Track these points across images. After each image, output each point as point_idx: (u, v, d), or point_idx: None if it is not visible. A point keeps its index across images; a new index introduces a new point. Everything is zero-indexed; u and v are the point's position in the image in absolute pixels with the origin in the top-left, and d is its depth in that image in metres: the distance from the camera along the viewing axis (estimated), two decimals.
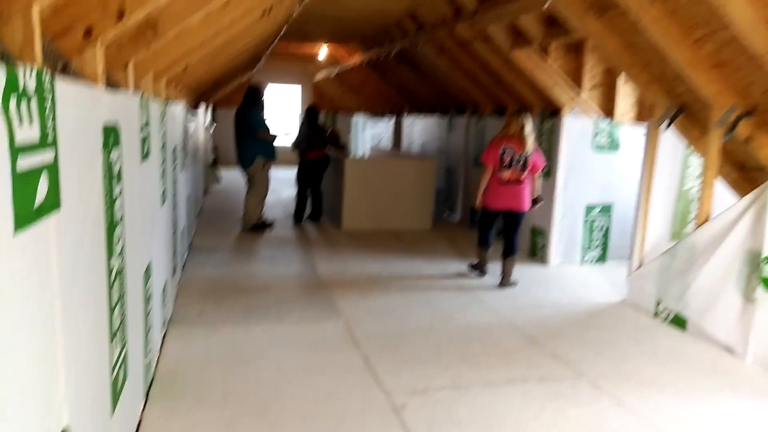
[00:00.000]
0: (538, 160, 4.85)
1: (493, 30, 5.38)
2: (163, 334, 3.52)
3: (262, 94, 6.78)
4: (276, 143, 6.76)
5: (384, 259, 5.81)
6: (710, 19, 3.39)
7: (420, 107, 10.04)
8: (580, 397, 3.04)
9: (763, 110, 3.71)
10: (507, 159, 4.76)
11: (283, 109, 15.34)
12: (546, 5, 4.09)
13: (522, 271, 5.45)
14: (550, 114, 5.76)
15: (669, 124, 4.33)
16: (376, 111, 12.90)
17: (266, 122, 6.72)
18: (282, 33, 7.32)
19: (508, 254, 4.96)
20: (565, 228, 5.72)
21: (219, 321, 3.92)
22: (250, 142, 6.60)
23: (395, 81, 9.91)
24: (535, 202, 4.96)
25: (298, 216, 7.52)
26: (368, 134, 13.11)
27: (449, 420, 2.75)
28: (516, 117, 4.84)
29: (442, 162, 8.28)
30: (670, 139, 4.47)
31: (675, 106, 4.31)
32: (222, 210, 8.28)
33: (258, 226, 6.89)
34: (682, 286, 4.05)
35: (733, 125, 3.79)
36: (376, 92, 11.96)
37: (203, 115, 9.68)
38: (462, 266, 5.56)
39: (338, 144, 7.92)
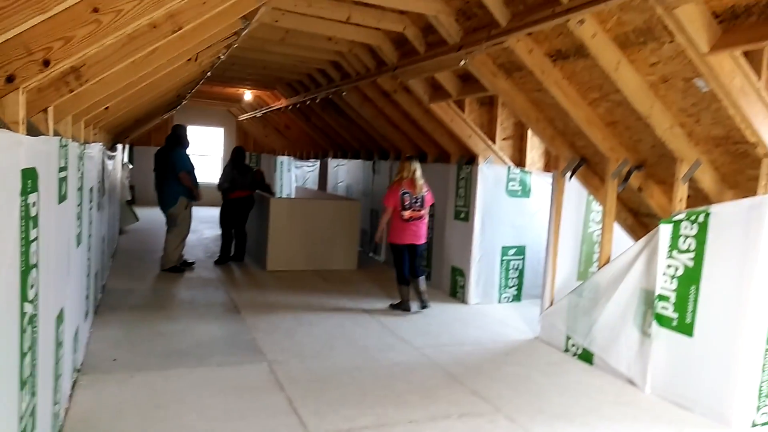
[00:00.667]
0: (430, 198, 5.59)
1: (414, 83, 5.72)
2: (73, 382, 3.34)
3: (186, 135, 6.73)
4: (197, 184, 6.69)
5: (309, 299, 5.82)
6: (603, 83, 3.84)
7: (345, 150, 10.27)
8: (497, 431, 3.18)
9: (651, 164, 4.19)
10: (407, 201, 5.41)
11: (206, 152, 15.09)
12: (460, 64, 4.44)
13: (443, 310, 5.66)
14: (467, 162, 6.12)
15: (572, 174, 4.75)
16: (302, 152, 13.01)
17: (191, 163, 6.65)
18: (207, 77, 7.34)
19: (415, 276, 5.54)
20: (482, 269, 6.01)
21: (134, 367, 3.76)
22: (173, 183, 6.50)
23: (321, 124, 10.11)
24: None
25: (223, 257, 7.36)
26: (293, 175, 13.16)
27: None
28: (407, 163, 5.50)
29: (367, 204, 8.47)
30: (574, 188, 4.89)
31: (577, 158, 4.75)
32: (139, 250, 7.95)
33: (178, 267, 6.69)
34: (588, 323, 4.37)
35: (627, 177, 4.23)
36: (301, 134, 12.09)
37: (121, 154, 9.37)
38: (384, 306, 5.67)
39: (263, 184, 7.92)
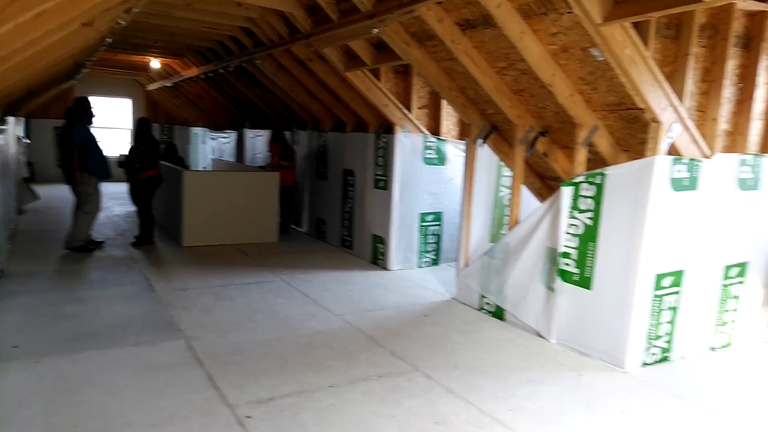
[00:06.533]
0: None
1: (329, 52, 5.65)
2: None
3: (90, 106, 6.29)
4: (106, 159, 6.31)
5: (229, 274, 5.72)
6: (509, 52, 3.97)
7: (262, 121, 10.02)
8: (415, 388, 3.33)
9: (555, 130, 4.42)
10: (284, 154, 7.86)
11: (114, 125, 14.20)
12: (373, 32, 4.43)
13: (365, 277, 5.77)
14: (385, 131, 6.17)
15: (484, 141, 4.93)
16: (217, 123, 12.54)
17: (95, 137, 6.25)
18: (108, 43, 6.86)
19: (291, 213, 8.17)
20: (402, 235, 6.15)
21: (39, 352, 3.57)
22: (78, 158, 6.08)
23: (236, 94, 9.77)
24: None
25: (146, 238, 6.97)
26: (209, 147, 12.70)
27: (295, 425, 2.84)
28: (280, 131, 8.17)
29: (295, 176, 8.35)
30: (486, 154, 5.07)
31: (488, 126, 4.92)
32: (41, 230, 7.44)
33: (85, 246, 6.34)
34: (500, 282, 4.62)
35: (533, 142, 4.45)
36: (216, 104, 11.63)
37: (14, 128, 8.61)
38: (306, 276, 5.69)
39: (176, 157, 7.60)
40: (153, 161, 6.86)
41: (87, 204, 6.22)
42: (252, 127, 10.44)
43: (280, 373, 3.43)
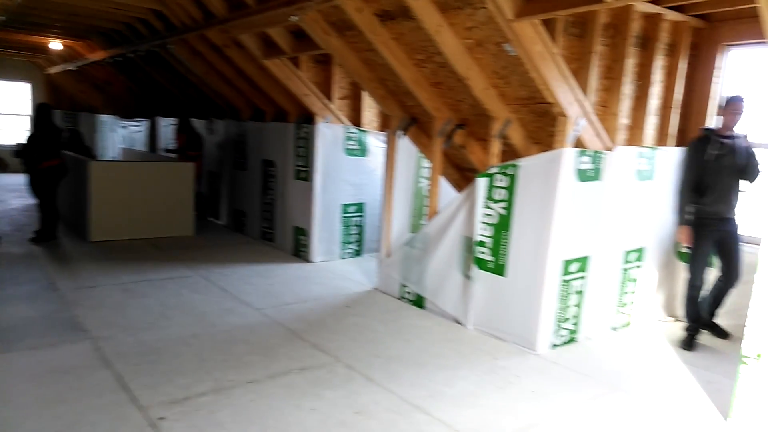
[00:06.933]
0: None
1: (246, 38, 5.47)
2: None
3: None
4: None
5: (141, 269, 5.43)
6: (427, 45, 4.03)
7: (177, 109, 9.57)
8: (336, 379, 3.33)
9: (471, 122, 4.54)
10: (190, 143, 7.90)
11: (10, 111, 13.06)
12: (290, 20, 4.34)
13: (286, 269, 5.68)
14: (305, 121, 6.08)
15: (403, 133, 4.98)
16: (127, 111, 11.84)
17: None
18: (1, 21, 6.28)
19: (202, 202, 8.00)
20: (324, 227, 6.11)
21: None
22: None
23: (148, 80, 9.27)
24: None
25: (47, 233, 6.45)
26: (118, 136, 12.00)
27: (211, 424, 2.76)
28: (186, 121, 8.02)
29: (203, 165, 8.05)
30: (406, 146, 5.13)
31: (407, 118, 4.97)
32: None
33: None
34: (420, 271, 4.71)
35: (451, 135, 4.55)
36: (125, 91, 10.98)
37: None
38: (225, 270, 5.53)
39: (82, 146, 7.10)
40: (54, 150, 6.36)
41: None
42: (166, 115, 9.95)
43: (196, 371, 3.31)
